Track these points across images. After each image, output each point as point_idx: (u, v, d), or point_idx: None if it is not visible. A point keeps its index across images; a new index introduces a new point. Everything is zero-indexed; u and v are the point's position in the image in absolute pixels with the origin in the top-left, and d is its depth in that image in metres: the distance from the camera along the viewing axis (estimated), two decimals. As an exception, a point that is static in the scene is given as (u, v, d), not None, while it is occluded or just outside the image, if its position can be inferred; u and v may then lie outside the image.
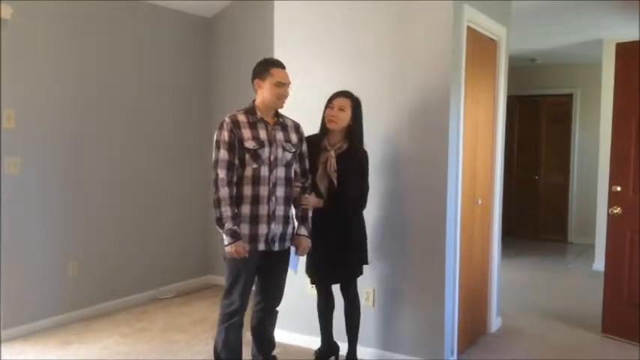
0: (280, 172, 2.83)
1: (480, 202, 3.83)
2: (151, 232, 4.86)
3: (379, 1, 3.43)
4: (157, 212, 4.91)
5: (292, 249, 2.92)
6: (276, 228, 2.83)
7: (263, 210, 2.78)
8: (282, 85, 2.81)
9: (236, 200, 2.76)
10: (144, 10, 4.70)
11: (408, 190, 3.40)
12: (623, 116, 3.93)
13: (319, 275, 3.23)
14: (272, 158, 2.80)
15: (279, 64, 2.87)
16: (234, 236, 2.70)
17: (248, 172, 2.76)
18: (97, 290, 4.42)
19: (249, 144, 2.75)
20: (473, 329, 3.85)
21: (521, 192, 8.15)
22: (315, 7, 3.68)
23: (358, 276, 3.22)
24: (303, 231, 2.95)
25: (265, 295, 2.98)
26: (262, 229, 2.78)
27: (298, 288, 3.54)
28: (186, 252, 5.20)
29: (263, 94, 2.83)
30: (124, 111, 4.59)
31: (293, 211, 2.96)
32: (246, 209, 2.77)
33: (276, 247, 2.86)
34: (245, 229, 2.76)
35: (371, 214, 3.31)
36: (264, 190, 2.77)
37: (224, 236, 2.72)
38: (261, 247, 2.80)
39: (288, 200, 2.87)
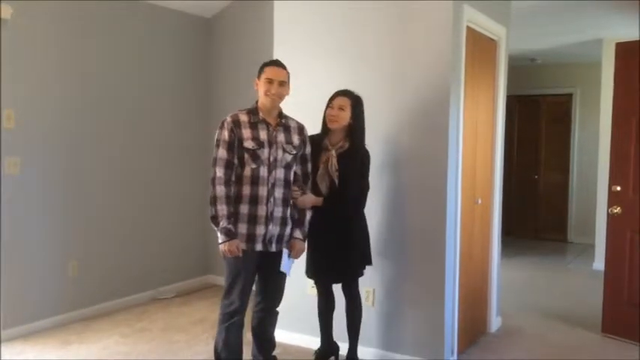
0: (279, 173, 2.82)
1: (479, 201, 3.83)
2: (150, 232, 4.86)
3: (379, 1, 3.43)
4: (157, 212, 4.91)
5: (285, 251, 2.89)
6: (274, 229, 2.82)
7: (261, 210, 2.78)
8: (271, 82, 2.79)
9: (235, 199, 2.77)
10: (144, 10, 4.70)
11: (407, 190, 3.40)
12: (623, 116, 3.93)
13: (319, 275, 3.23)
14: (271, 159, 2.79)
15: (272, 63, 2.88)
16: (228, 235, 2.70)
17: (247, 172, 2.77)
18: (97, 290, 4.42)
19: (248, 144, 2.76)
20: (473, 329, 3.85)
21: (521, 191, 8.15)
22: (314, 7, 3.68)
23: (359, 276, 3.20)
24: (298, 234, 2.93)
25: (265, 296, 2.98)
26: (260, 229, 2.78)
27: (298, 288, 3.54)
28: (186, 252, 5.20)
29: (259, 93, 2.84)
30: (124, 111, 4.59)
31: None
32: (244, 209, 2.77)
33: (274, 248, 2.85)
34: (243, 228, 2.77)
35: (370, 214, 3.31)
36: (262, 191, 2.78)
37: (218, 234, 2.73)
38: (259, 247, 2.80)
39: (286, 201, 2.87)
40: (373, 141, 3.26)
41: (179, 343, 3.81)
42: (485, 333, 4.07)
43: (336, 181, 3.03)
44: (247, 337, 3.02)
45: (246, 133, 2.77)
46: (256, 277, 2.95)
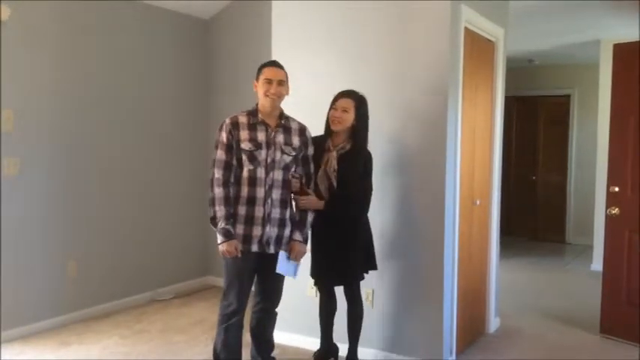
0: (277, 174, 2.82)
1: (478, 202, 3.84)
2: (150, 232, 4.86)
3: (379, 1, 3.44)
4: (157, 212, 4.92)
5: (282, 254, 2.85)
6: (271, 230, 2.82)
7: (258, 212, 2.78)
8: (270, 82, 2.80)
9: (234, 200, 2.78)
10: (143, 10, 4.71)
11: (406, 191, 3.40)
12: (621, 117, 3.94)
13: (320, 276, 3.22)
14: (269, 160, 2.80)
15: (270, 64, 2.89)
16: (227, 235, 2.71)
17: (245, 173, 2.78)
18: (97, 291, 4.42)
19: (246, 145, 2.76)
20: (472, 329, 3.86)
21: (519, 192, 8.17)
22: (314, 7, 3.68)
23: (360, 278, 3.18)
24: (298, 236, 2.91)
25: (264, 297, 2.99)
26: (256, 230, 2.78)
27: (298, 289, 3.54)
28: (186, 253, 5.20)
29: (258, 94, 2.84)
30: (124, 111, 4.59)
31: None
32: (242, 210, 2.78)
33: (272, 250, 2.84)
34: (240, 229, 2.77)
35: (370, 214, 3.31)
36: (260, 192, 2.78)
37: (217, 235, 2.73)
38: (254, 248, 2.80)
39: (284, 203, 2.86)
40: (371, 141, 3.26)
41: (178, 344, 3.81)
42: (484, 333, 4.07)
43: (334, 182, 3.02)
44: (246, 338, 3.02)
45: (244, 134, 2.78)
46: (255, 278, 2.95)
